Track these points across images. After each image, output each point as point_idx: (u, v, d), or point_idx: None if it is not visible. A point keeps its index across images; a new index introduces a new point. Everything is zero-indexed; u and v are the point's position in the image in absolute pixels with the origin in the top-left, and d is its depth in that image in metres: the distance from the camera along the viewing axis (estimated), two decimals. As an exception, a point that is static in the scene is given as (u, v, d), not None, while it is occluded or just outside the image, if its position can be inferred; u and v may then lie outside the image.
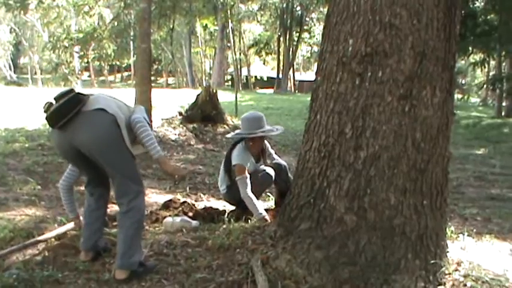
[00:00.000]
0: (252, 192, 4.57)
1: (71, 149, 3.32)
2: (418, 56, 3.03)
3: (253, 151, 4.88)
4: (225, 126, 11.81)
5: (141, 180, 3.47)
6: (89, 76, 45.95)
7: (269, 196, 5.83)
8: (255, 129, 4.72)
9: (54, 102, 3.20)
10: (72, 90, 3.27)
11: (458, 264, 3.38)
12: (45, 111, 3.21)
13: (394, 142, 3.05)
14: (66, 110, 3.17)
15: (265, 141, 5.06)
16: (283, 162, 5.11)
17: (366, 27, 3.08)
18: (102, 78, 49.85)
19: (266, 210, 4.77)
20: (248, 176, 4.61)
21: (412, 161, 3.06)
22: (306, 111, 3.75)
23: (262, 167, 4.92)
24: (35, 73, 49.34)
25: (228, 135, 5.25)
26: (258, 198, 4.79)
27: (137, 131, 3.34)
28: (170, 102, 17.29)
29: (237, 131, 4.95)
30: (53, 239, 4.03)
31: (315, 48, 51.78)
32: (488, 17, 16.17)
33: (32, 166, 7.35)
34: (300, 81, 53.59)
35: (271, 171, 4.85)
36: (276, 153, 5.31)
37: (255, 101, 25.66)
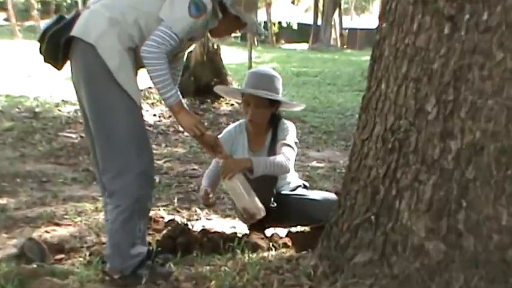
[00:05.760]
0: None
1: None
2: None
3: (252, 130, 3.57)
4: (233, 102, 9.06)
5: (137, 149, 2.76)
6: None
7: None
8: (261, 89, 3.39)
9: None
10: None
11: None
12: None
13: (507, 125, 2.20)
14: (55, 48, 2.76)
15: (288, 127, 3.53)
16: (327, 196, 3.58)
17: None
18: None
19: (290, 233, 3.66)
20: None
21: (537, 156, 2.24)
22: (361, 79, 2.69)
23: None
24: None
25: (218, 87, 4.04)
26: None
27: (145, 66, 2.76)
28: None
29: (232, 87, 3.67)
30: None
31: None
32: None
33: None
34: (350, 29, 42.54)
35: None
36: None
37: (280, 63, 21.92)
